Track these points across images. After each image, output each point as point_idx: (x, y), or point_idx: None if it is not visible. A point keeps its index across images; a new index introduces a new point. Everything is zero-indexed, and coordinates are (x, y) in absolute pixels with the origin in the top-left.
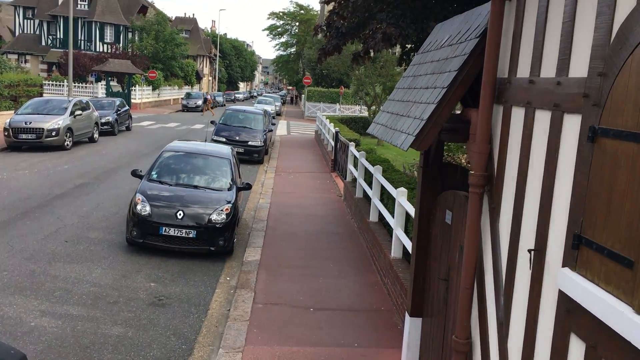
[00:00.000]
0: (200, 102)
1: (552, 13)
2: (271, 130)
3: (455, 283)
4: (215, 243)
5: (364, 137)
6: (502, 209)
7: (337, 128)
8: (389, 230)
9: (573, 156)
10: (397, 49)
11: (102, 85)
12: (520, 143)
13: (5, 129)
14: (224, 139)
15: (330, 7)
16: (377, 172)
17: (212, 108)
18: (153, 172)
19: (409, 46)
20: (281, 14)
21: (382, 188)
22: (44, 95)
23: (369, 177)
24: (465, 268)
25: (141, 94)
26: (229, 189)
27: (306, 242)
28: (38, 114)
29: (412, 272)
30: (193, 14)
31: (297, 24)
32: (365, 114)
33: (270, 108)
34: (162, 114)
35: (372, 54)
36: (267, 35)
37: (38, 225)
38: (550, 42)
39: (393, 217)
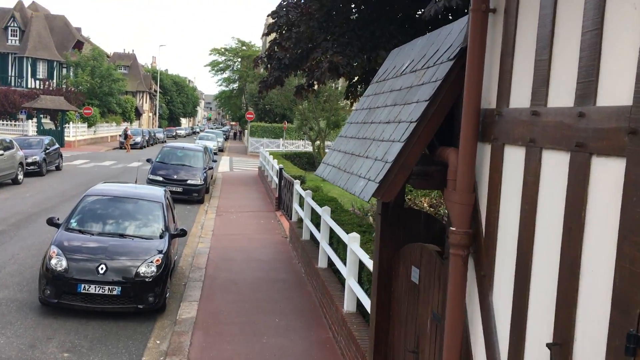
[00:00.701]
0: (138, 139)
1: (563, 21)
2: (212, 168)
3: (428, 357)
4: (143, 300)
5: (308, 172)
6: (496, 278)
7: (281, 164)
8: (340, 278)
9: (614, 215)
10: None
11: (33, 122)
12: (522, 193)
13: None
14: (161, 178)
15: (271, 37)
16: (325, 213)
17: (130, 145)
18: (72, 220)
19: (355, 78)
20: (223, 50)
21: (332, 231)
22: None
23: (316, 218)
24: (448, 351)
25: (75, 132)
26: (161, 237)
27: (249, 292)
28: None
29: (372, 339)
30: (132, 50)
31: (239, 59)
32: (310, 148)
33: (212, 144)
34: (98, 152)
35: (316, 86)
36: (210, 71)
37: None
38: (562, 60)
39: (345, 264)
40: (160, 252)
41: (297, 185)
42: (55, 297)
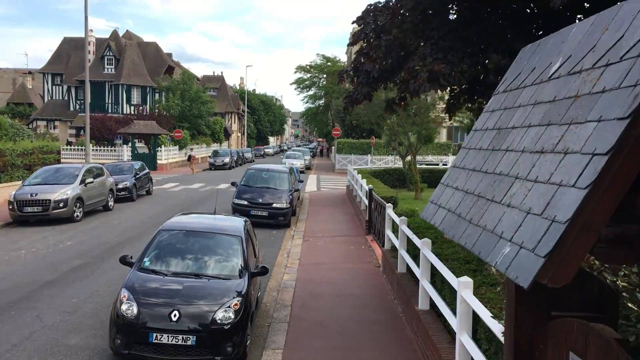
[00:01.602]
0: (227, 160)
1: None
2: (298, 190)
3: None
4: (221, 350)
5: (399, 190)
6: None
7: (370, 185)
8: (446, 324)
9: None
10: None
11: (127, 147)
12: None
13: (10, 202)
14: (246, 202)
15: (357, 48)
16: (425, 247)
17: (194, 165)
18: (145, 259)
19: (457, 88)
20: (308, 67)
21: (433, 267)
22: (62, 162)
23: (413, 249)
24: None
25: (167, 154)
26: (240, 276)
27: (339, 338)
28: (46, 184)
29: None
30: (221, 72)
31: (325, 76)
32: (400, 164)
33: (299, 163)
34: (189, 174)
35: (408, 99)
36: (295, 89)
37: (9, 329)
38: None
39: (454, 313)
40: (239, 294)
41: (389, 210)
42: (125, 348)
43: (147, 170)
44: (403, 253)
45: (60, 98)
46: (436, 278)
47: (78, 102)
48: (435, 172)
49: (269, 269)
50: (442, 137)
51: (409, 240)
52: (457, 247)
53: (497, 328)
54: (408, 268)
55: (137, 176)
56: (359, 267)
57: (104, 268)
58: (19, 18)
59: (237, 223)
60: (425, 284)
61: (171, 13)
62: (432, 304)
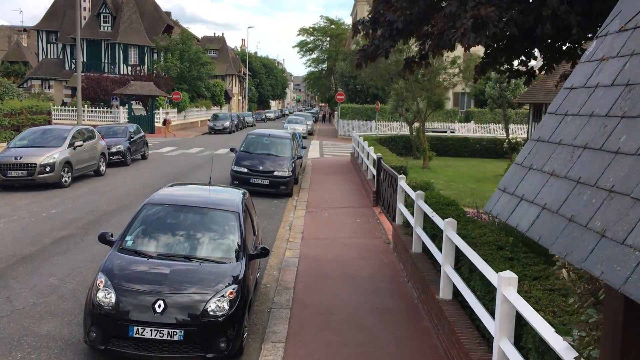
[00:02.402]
0: (227, 124)
1: None
2: (301, 157)
3: None
4: (213, 346)
5: (406, 158)
6: None
7: (379, 154)
8: (472, 316)
9: None
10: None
11: (124, 109)
12: None
13: None
14: (245, 170)
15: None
16: (450, 228)
17: (170, 129)
18: (128, 237)
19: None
20: (311, 29)
21: (458, 251)
22: (54, 123)
23: (431, 227)
24: None
25: (165, 117)
26: (237, 259)
27: (349, 329)
28: (32, 146)
29: None
30: (222, 34)
31: (328, 39)
32: (406, 131)
33: (301, 128)
34: (187, 138)
35: (430, 58)
36: (298, 52)
37: None
38: None
39: (487, 310)
40: (235, 280)
41: (402, 182)
42: (102, 343)
43: (142, 134)
44: (419, 231)
45: (55, 57)
46: (462, 265)
47: (73, 61)
48: (443, 140)
49: (269, 250)
50: (449, 104)
51: (426, 217)
52: (484, 229)
53: (561, 346)
54: (424, 248)
55: (132, 140)
56: (367, 242)
57: (88, 241)
58: None
59: (234, 196)
60: (449, 271)
61: None
62: (455, 292)
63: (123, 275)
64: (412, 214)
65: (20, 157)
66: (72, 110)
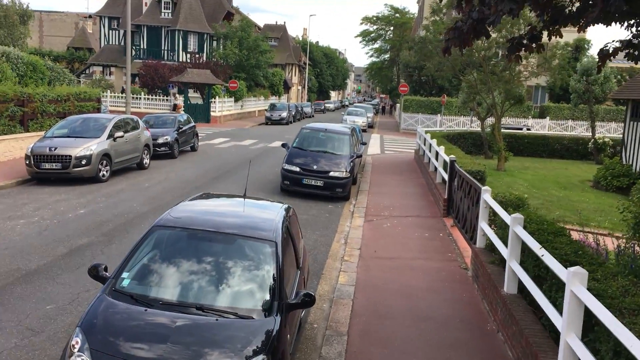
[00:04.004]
0: (284, 114)
1: None
2: (360, 156)
3: None
4: None
5: (476, 157)
6: None
7: (452, 155)
8: None
9: None
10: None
11: (180, 97)
12: None
13: (27, 156)
14: (297, 168)
15: None
16: (577, 282)
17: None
18: (124, 275)
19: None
20: (375, 18)
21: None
22: (109, 111)
23: (534, 264)
24: None
25: (222, 106)
26: (269, 311)
27: None
28: (69, 136)
29: None
30: (284, 22)
31: (392, 28)
32: (475, 127)
33: (361, 120)
34: (243, 128)
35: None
36: (360, 42)
37: None
38: None
39: None
40: (265, 345)
41: (487, 196)
42: None
43: (192, 124)
44: (517, 268)
45: (117, 43)
46: (599, 336)
47: (134, 47)
48: (519, 137)
49: (315, 297)
50: None
51: (525, 248)
52: (622, 279)
53: None
54: (521, 287)
55: (181, 130)
56: (439, 266)
57: (109, 252)
58: None
59: (274, 215)
60: (575, 345)
61: None
62: None
63: (108, 334)
64: (501, 238)
65: (55, 148)
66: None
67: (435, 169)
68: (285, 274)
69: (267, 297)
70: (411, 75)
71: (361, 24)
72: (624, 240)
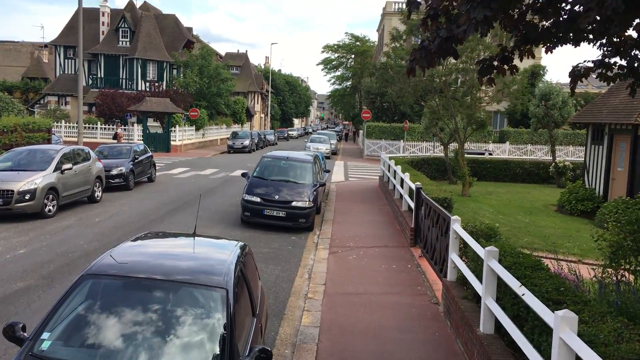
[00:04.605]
0: (246, 142)
1: None
2: (324, 184)
3: None
4: None
5: (440, 182)
6: None
7: (418, 183)
8: None
9: None
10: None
11: (139, 127)
12: None
13: None
14: (258, 199)
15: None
16: (567, 327)
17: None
18: (44, 336)
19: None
20: (336, 46)
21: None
22: (63, 141)
23: (511, 302)
24: None
25: (182, 135)
26: None
27: None
28: (13, 170)
29: None
30: (246, 51)
31: (353, 56)
32: (437, 152)
33: (324, 147)
34: (204, 157)
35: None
36: (322, 70)
37: None
38: None
39: None
40: None
41: (458, 227)
42: None
43: (149, 154)
44: (493, 307)
45: (73, 72)
46: None
47: (91, 76)
48: (482, 162)
49: (271, 353)
50: None
51: (501, 283)
52: (612, 321)
53: None
54: (497, 326)
55: (137, 160)
56: (409, 301)
57: (46, 298)
58: None
59: (226, 255)
60: None
61: None
62: None
63: None
64: (473, 271)
65: None
66: (86, 127)
67: (401, 196)
68: (238, 325)
69: (216, 353)
70: (373, 102)
71: (323, 51)
72: (600, 271)
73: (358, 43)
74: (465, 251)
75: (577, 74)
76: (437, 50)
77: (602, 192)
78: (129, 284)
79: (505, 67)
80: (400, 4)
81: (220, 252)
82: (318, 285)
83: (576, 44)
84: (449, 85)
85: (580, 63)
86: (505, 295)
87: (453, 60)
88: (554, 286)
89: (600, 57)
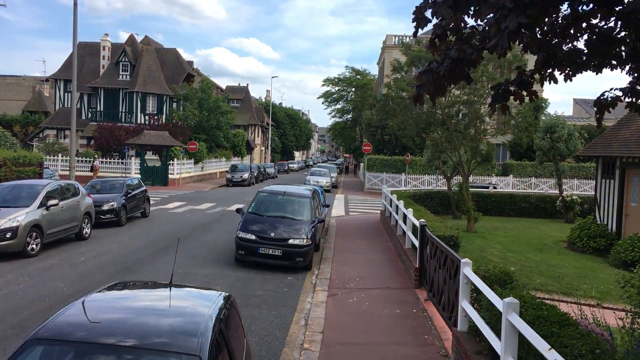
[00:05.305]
0: (245, 175)
1: None
2: (323, 221)
3: None
4: None
5: (444, 217)
6: None
7: (422, 220)
8: None
9: None
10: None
11: (136, 160)
12: None
13: None
14: (253, 236)
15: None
16: None
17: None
18: None
19: None
20: (336, 80)
21: None
22: (58, 175)
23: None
24: None
25: (180, 168)
26: None
27: None
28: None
29: None
30: (247, 84)
31: (353, 89)
32: (440, 185)
33: (324, 181)
34: (202, 191)
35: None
36: (323, 103)
37: None
38: None
39: None
40: None
41: (469, 271)
42: None
43: (143, 188)
44: None
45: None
46: None
47: (91, 110)
48: (486, 196)
49: None
50: None
51: (523, 343)
52: None
53: None
54: None
55: (130, 195)
56: (415, 353)
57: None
58: (50, 31)
59: (205, 310)
60: None
61: (200, 28)
62: None
63: None
64: (488, 322)
65: None
66: (84, 160)
67: (404, 232)
68: None
69: None
70: (374, 134)
71: (323, 85)
72: (627, 318)
73: (359, 76)
74: (477, 298)
75: (604, 103)
76: (448, 74)
77: (615, 229)
78: (81, 352)
79: (524, 92)
80: (400, 38)
81: (198, 308)
82: (315, 333)
83: (598, 69)
84: (452, 117)
85: (606, 91)
86: (529, 356)
87: (457, 92)
88: (588, 347)
89: (629, 84)
